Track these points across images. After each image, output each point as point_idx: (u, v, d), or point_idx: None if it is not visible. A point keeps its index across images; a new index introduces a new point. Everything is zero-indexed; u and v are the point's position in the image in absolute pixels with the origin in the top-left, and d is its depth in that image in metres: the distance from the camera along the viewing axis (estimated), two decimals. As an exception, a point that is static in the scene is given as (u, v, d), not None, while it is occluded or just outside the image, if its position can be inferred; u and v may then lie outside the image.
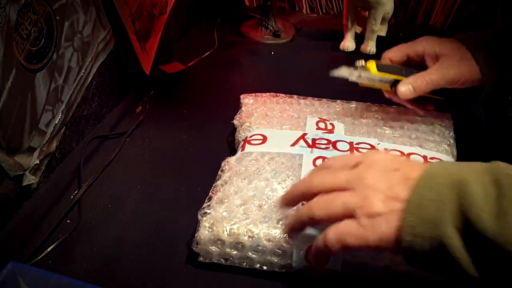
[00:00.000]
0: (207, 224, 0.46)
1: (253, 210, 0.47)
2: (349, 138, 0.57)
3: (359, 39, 0.94)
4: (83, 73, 0.62)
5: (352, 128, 0.60)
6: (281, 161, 0.53)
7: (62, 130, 0.60)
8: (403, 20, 1.09)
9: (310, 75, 0.86)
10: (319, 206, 0.38)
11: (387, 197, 0.35)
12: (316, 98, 0.66)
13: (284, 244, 0.44)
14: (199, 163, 0.62)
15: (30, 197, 0.55)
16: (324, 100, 0.66)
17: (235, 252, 0.46)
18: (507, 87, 0.55)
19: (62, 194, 0.56)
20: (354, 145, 0.56)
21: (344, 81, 0.59)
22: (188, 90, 0.80)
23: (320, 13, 1.14)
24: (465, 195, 0.31)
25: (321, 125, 0.60)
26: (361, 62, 0.59)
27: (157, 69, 0.80)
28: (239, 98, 0.67)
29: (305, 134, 0.58)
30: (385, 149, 0.56)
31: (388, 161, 0.38)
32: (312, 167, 0.52)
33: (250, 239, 0.45)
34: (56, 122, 0.58)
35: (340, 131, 0.59)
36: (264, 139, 0.57)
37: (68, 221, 0.53)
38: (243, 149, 0.56)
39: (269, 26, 0.99)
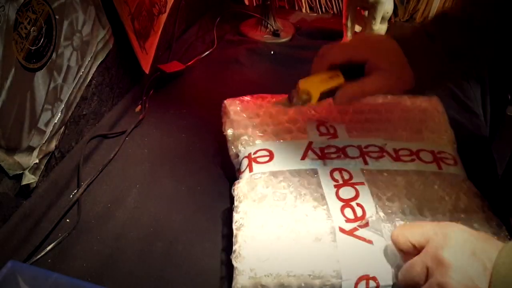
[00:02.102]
0: (243, 269, 0.42)
1: (289, 244, 0.44)
2: (356, 142, 0.56)
3: (359, 38, 0.94)
4: (83, 72, 0.62)
5: (352, 127, 0.58)
6: (297, 179, 0.50)
7: (62, 129, 0.60)
8: (403, 19, 1.09)
9: (309, 74, 0.85)
10: None
11: None
12: None
13: (332, 280, 0.42)
14: (199, 162, 0.62)
15: (30, 196, 0.55)
16: None
17: None
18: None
19: (61, 193, 0.56)
20: (363, 149, 0.55)
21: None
22: (187, 89, 0.80)
23: (320, 13, 1.14)
24: None
25: (323, 129, 0.58)
26: (302, 97, 0.54)
27: (156, 68, 0.80)
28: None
29: (311, 143, 0.55)
30: (393, 149, 0.55)
31: (462, 243, 0.37)
32: (332, 182, 0.50)
33: (295, 278, 0.42)
34: (56, 121, 0.58)
35: (343, 135, 0.57)
36: (271, 155, 0.54)
37: (68, 220, 0.53)
38: (250, 169, 0.52)
39: (268, 25, 0.99)
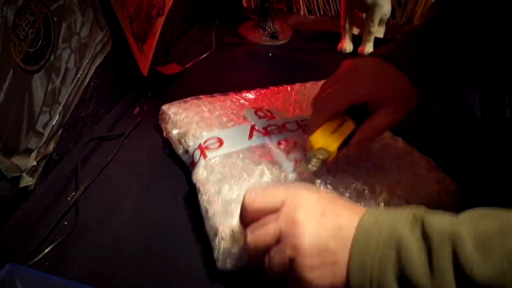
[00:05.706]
0: (224, 235, 0.45)
1: None
2: (292, 119, 0.62)
3: (357, 40, 0.95)
4: (81, 74, 0.62)
5: (284, 109, 0.64)
6: (250, 154, 0.55)
7: (60, 131, 0.60)
8: (401, 21, 1.09)
9: (308, 76, 0.85)
10: (269, 267, 0.39)
11: (320, 251, 0.36)
12: (234, 92, 0.69)
13: None
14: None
15: (27, 199, 0.55)
16: (244, 91, 0.69)
17: None
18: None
19: (59, 196, 0.56)
20: (300, 123, 0.61)
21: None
22: (185, 91, 0.79)
23: (318, 15, 1.14)
24: (403, 254, 0.33)
25: (260, 114, 0.63)
26: (320, 157, 0.49)
27: (154, 71, 0.80)
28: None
29: (254, 125, 0.60)
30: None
31: (313, 204, 0.38)
32: (281, 151, 0.56)
33: None
34: (54, 123, 0.58)
35: (279, 115, 0.63)
36: (220, 141, 0.57)
37: (66, 222, 0.53)
38: (204, 157, 0.55)
39: (267, 27, 1.00)
